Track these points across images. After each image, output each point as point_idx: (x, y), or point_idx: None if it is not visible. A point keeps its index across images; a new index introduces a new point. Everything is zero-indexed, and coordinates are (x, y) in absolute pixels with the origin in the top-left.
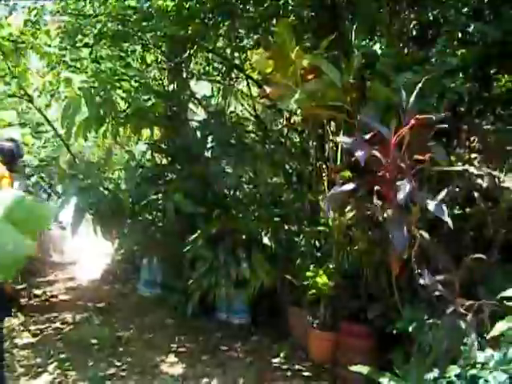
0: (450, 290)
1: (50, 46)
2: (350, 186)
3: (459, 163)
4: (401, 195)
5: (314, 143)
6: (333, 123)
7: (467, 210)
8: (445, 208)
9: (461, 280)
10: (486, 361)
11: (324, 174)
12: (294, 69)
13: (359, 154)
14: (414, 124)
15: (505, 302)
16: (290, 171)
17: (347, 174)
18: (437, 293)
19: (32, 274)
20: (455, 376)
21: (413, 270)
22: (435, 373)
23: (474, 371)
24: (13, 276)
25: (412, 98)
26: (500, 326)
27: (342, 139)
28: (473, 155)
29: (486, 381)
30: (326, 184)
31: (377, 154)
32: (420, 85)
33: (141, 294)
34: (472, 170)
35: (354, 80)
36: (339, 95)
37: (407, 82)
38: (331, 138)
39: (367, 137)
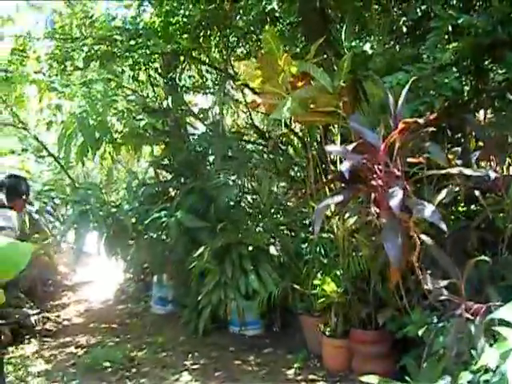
0: (455, 293)
1: (39, 72)
2: (337, 199)
3: (458, 161)
4: (393, 203)
5: (315, 150)
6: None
7: (472, 207)
8: (438, 214)
9: (467, 282)
10: (498, 365)
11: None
12: (283, 77)
13: (343, 166)
14: (403, 128)
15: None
16: (295, 178)
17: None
18: (442, 297)
19: (45, 298)
20: (468, 383)
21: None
22: (447, 380)
23: (486, 376)
24: None
25: (401, 100)
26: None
27: (330, 148)
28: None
29: None
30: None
31: (366, 162)
32: (408, 85)
33: (153, 311)
34: (467, 171)
35: (346, 83)
36: (331, 100)
37: (400, 83)
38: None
39: (352, 145)
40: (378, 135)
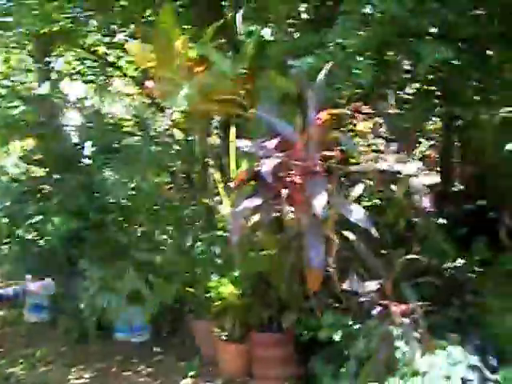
0: (379, 293)
1: None
2: (255, 202)
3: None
4: (317, 206)
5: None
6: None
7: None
8: (367, 217)
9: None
10: (429, 367)
11: (218, 177)
12: (180, 61)
13: (265, 167)
14: (325, 119)
15: None
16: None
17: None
18: (364, 298)
19: None
20: None
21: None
22: None
23: (415, 381)
24: None
25: (318, 88)
26: None
27: (242, 143)
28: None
29: None
30: (221, 186)
31: (283, 159)
32: (326, 70)
33: (27, 320)
34: (382, 166)
35: (249, 70)
36: (232, 88)
37: (312, 66)
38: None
39: (273, 142)
40: (295, 128)
